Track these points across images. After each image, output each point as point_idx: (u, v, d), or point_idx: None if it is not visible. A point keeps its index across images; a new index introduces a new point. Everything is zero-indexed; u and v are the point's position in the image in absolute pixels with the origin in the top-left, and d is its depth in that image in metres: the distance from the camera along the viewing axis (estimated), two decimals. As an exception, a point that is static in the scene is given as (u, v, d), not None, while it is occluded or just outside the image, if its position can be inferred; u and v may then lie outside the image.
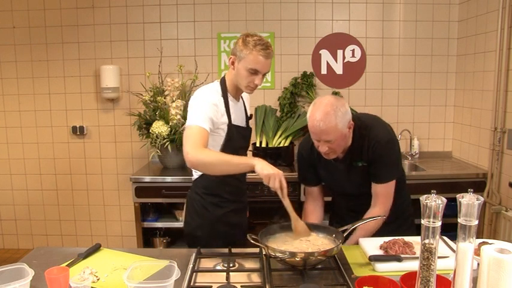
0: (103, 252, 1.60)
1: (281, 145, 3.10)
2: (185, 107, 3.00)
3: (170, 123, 2.93)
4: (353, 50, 3.33)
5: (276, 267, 1.45)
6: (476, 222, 1.04)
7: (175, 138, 2.93)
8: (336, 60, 3.33)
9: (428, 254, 1.06)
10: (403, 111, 3.38)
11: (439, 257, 1.16)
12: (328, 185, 1.93)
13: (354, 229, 1.60)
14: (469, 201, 1.03)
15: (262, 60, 1.65)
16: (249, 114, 1.96)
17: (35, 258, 1.55)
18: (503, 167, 2.74)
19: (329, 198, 2.00)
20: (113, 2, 3.31)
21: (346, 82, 3.35)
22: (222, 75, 1.83)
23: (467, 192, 1.05)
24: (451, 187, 2.79)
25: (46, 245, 3.61)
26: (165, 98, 3.00)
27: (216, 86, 1.79)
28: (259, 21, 3.28)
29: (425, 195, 1.05)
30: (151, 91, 3.09)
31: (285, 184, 1.50)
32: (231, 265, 1.46)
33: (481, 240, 1.46)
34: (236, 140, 1.79)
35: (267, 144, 3.14)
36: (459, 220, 1.05)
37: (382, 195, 1.74)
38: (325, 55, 3.33)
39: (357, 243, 1.63)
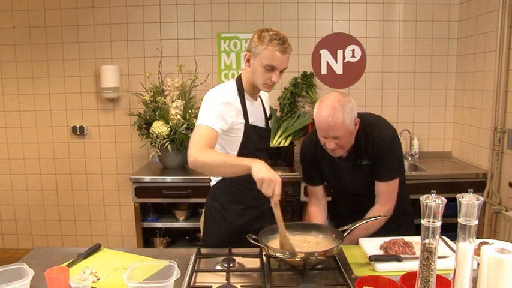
0: (103, 252, 1.60)
1: (281, 145, 3.10)
2: (185, 107, 3.00)
3: (170, 123, 2.93)
4: (353, 50, 3.33)
5: (276, 267, 1.46)
6: (476, 222, 1.04)
7: (175, 138, 2.93)
8: (336, 60, 3.33)
9: (428, 254, 1.06)
10: (403, 111, 3.38)
11: (439, 257, 1.15)
12: (332, 184, 1.92)
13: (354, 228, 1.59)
14: (469, 201, 1.03)
15: (279, 56, 1.58)
16: (268, 114, 1.87)
17: (35, 258, 1.55)
18: (503, 167, 2.74)
19: (328, 198, 1.99)
20: (113, 2, 3.31)
21: (346, 82, 3.35)
22: (239, 74, 1.76)
23: (467, 192, 1.05)
24: (451, 187, 2.79)
25: (46, 245, 3.61)
26: (165, 98, 3.00)
27: (231, 84, 1.72)
28: (259, 21, 3.28)
29: (425, 195, 1.05)
30: (151, 91, 3.09)
31: (278, 191, 1.37)
32: (231, 265, 1.46)
33: (481, 240, 1.46)
34: (254, 141, 1.72)
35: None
36: (459, 220, 1.05)
37: (385, 193, 1.74)
38: (325, 55, 3.33)
39: (357, 243, 1.63)
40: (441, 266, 1.26)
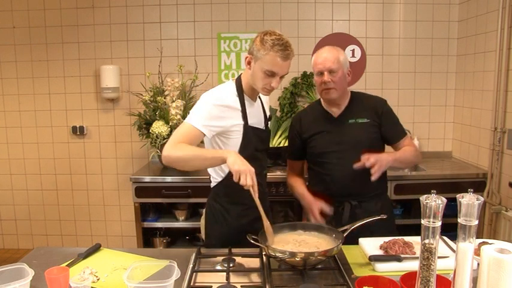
0: (103, 252, 1.60)
1: (281, 145, 3.10)
2: (185, 107, 3.00)
3: (170, 123, 2.93)
4: (353, 50, 3.33)
5: (276, 267, 1.46)
6: (476, 222, 1.04)
7: (175, 138, 2.92)
8: (336, 60, 3.33)
9: (428, 254, 1.06)
10: (403, 111, 3.38)
11: (439, 257, 1.16)
12: (323, 150, 1.88)
13: (355, 228, 1.58)
14: (469, 201, 1.03)
15: (280, 62, 1.57)
16: (268, 115, 1.87)
17: (35, 258, 1.55)
18: (503, 167, 2.74)
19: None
20: (113, 2, 3.31)
21: (349, 81, 3.34)
22: (239, 75, 1.76)
23: (467, 192, 1.05)
24: (451, 187, 2.79)
25: (46, 245, 3.61)
26: (165, 98, 3.00)
27: (230, 85, 1.71)
28: (259, 21, 3.28)
29: (425, 195, 1.05)
30: (151, 91, 3.09)
31: (255, 181, 1.43)
32: (231, 265, 1.46)
33: (481, 240, 1.46)
34: (253, 142, 1.71)
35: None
36: (459, 220, 1.05)
37: (408, 143, 1.91)
38: (325, 55, 3.33)
39: (357, 243, 1.63)
40: (441, 266, 1.26)
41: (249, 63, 1.65)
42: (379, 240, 1.58)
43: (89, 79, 3.42)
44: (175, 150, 1.52)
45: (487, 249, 1.07)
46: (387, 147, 1.96)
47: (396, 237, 1.56)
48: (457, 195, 1.06)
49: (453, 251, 1.46)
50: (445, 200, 1.04)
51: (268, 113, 1.88)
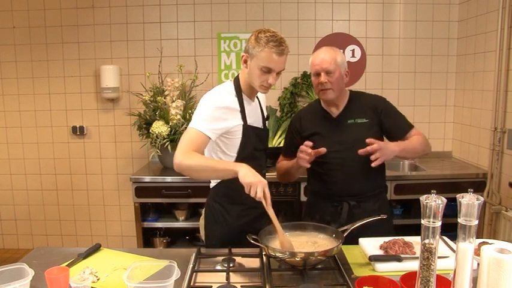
0: (103, 252, 1.60)
1: (281, 145, 3.09)
2: (185, 107, 3.00)
3: (170, 123, 2.93)
4: (353, 50, 3.33)
5: (276, 267, 1.46)
6: (476, 222, 1.04)
7: (176, 138, 2.92)
8: (336, 60, 3.33)
9: (428, 254, 1.06)
10: (403, 111, 3.32)
11: (439, 257, 1.15)
12: (327, 152, 1.83)
13: (355, 228, 1.58)
14: (469, 201, 1.03)
15: (275, 58, 1.58)
16: (265, 115, 1.88)
17: (35, 258, 1.55)
18: (503, 167, 2.74)
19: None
20: (113, 2, 3.31)
21: (346, 82, 3.34)
22: (236, 75, 1.76)
23: (467, 192, 1.05)
24: (451, 187, 2.79)
25: (46, 245, 3.61)
26: (165, 98, 3.00)
27: (228, 86, 1.72)
28: (259, 21, 3.28)
29: (425, 195, 1.05)
30: (151, 91, 3.09)
31: (268, 193, 1.43)
32: (231, 265, 1.46)
33: (481, 240, 1.46)
34: (253, 141, 1.72)
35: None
36: (459, 220, 1.05)
37: (415, 133, 1.92)
38: (325, 55, 3.33)
39: (357, 243, 1.63)
40: (441, 266, 1.26)
41: (245, 61, 1.66)
42: (379, 240, 1.58)
43: (89, 79, 3.42)
44: (186, 158, 1.52)
45: (487, 249, 1.07)
46: None
47: (396, 237, 1.56)
48: (457, 195, 1.06)
49: (453, 251, 1.46)
50: (445, 200, 1.04)
51: (265, 112, 1.89)
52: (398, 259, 1.43)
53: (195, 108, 1.69)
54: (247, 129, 1.69)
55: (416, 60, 3.34)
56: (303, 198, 2.81)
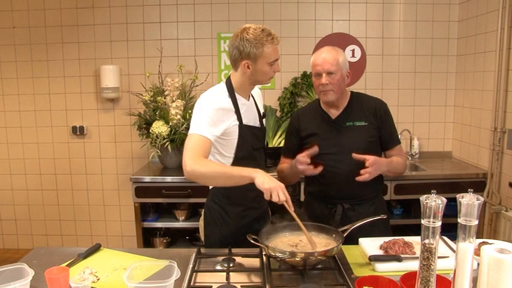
0: (103, 252, 1.60)
1: (281, 145, 3.09)
2: (185, 107, 3.00)
3: (170, 123, 2.94)
4: (353, 50, 3.33)
5: (276, 267, 1.46)
6: (476, 222, 1.04)
7: (175, 138, 2.93)
8: (336, 60, 3.33)
9: (428, 254, 1.06)
10: (403, 111, 3.39)
11: (439, 257, 1.16)
12: (319, 151, 1.82)
13: (355, 228, 1.58)
14: (469, 201, 1.03)
15: (276, 48, 1.65)
16: (262, 113, 1.86)
17: (35, 258, 1.55)
18: (503, 167, 2.74)
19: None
20: (113, 2, 3.31)
21: (347, 83, 3.34)
22: (228, 76, 1.75)
23: (467, 192, 1.05)
24: (451, 187, 2.79)
25: (46, 245, 3.61)
26: (165, 98, 3.00)
27: (221, 87, 1.71)
28: (259, 21, 3.25)
29: (425, 195, 1.05)
30: (151, 91, 3.10)
31: (288, 196, 1.45)
32: (231, 265, 1.46)
33: (481, 240, 1.46)
34: (249, 141, 1.71)
35: (266, 144, 3.13)
36: (459, 220, 1.05)
37: (399, 153, 1.91)
38: (325, 55, 3.33)
39: (357, 243, 1.63)
40: (441, 266, 1.26)
41: (248, 67, 1.64)
42: (379, 240, 1.58)
43: (89, 79, 3.42)
44: (198, 166, 1.50)
45: (487, 249, 1.07)
46: None
47: (396, 237, 1.56)
48: (457, 195, 1.06)
49: (453, 251, 1.46)
50: (445, 200, 1.04)
51: (262, 110, 1.88)
52: (398, 259, 1.43)
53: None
54: (244, 129, 1.69)
55: (416, 60, 3.34)
56: (303, 198, 2.80)
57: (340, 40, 3.31)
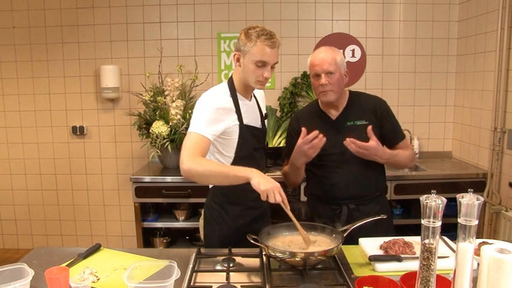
0: (103, 252, 1.60)
1: (281, 145, 3.10)
2: (185, 107, 3.00)
3: (170, 123, 2.94)
4: (353, 50, 3.33)
5: (276, 267, 1.46)
6: (476, 222, 1.04)
7: (176, 138, 2.93)
8: (336, 60, 3.33)
9: (428, 254, 1.06)
10: (403, 111, 3.38)
11: (439, 257, 1.16)
12: (321, 152, 1.79)
13: (355, 228, 1.58)
14: (469, 201, 1.03)
15: (268, 51, 1.58)
16: (264, 114, 1.85)
17: (35, 258, 1.55)
18: (503, 167, 2.74)
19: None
20: (113, 2, 3.31)
21: (346, 82, 3.34)
22: (230, 75, 1.75)
23: (467, 192, 1.05)
24: (451, 187, 2.79)
25: (46, 245, 3.61)
26: (165, 98, 3.00)
27: (223, 87, 1.71)
28: (259, 21, 3.24)
29: (425, 195, 1.05)
30: (151, 91, 3.09)
31: (284, 195, 1.44)
32: (231, 265, 1.46)
33: (481, 240, 1.46)
34: (250, 141, 1.70)
35: (266, 144, 3.13)
36: (459, 220, 1.05)
37: (405, 146, 1.91)
38: (325, 55, 3.33)
39: (357, 243, 1.63)
40: (441, 266, 1.26)
41: (238, 60, 1.65)
42: (379, 240, 1.58)
43: (89, 79, 3.42)
44: (195, 164, 1.49)
45: (487, 249, 1.07)
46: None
47: (396, 237, 1.56)
48: (457, 195, 1.06)
49: (453, 251, 1.46)
50: (445, 200, 1.04)
51: (264, 111, 1.87)
52: (398, 259, 1.43)
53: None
54: (244, 129, 1.68)
55: (416, 60, 3.34)
56: (303, 198, 2.81)
57: (340, 40, 3.31)
